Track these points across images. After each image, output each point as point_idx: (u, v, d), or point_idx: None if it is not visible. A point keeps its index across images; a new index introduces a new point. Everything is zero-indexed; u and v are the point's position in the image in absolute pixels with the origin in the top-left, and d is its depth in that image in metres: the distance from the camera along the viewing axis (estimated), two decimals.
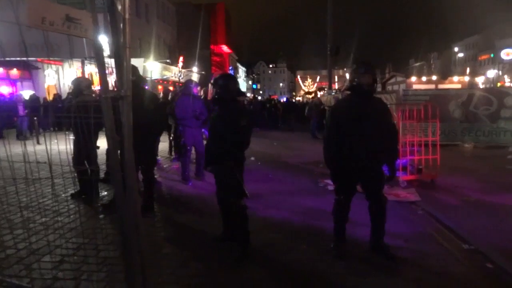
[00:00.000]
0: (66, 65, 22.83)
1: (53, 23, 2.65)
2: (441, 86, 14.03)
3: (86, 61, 19.47)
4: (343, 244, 3.83)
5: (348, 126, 3.54)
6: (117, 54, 1.69)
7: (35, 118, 12.33)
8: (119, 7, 1.60)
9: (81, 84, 5.70)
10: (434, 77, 13.66)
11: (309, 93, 58.20)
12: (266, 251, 3.91)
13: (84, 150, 5.08)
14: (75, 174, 5.46)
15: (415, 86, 13.75)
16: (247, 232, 3.68)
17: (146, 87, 6.73)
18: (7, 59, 16.63)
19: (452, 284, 3.32)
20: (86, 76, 18.58)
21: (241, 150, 3.69)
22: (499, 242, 4.13)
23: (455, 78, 16.52)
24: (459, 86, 15.26)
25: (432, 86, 13.77)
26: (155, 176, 6.82)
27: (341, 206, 3.77)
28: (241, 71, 71.45)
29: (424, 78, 13.60)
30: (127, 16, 1.66)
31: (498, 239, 4.25)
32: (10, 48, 12.32)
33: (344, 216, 3.80)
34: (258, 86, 78.96)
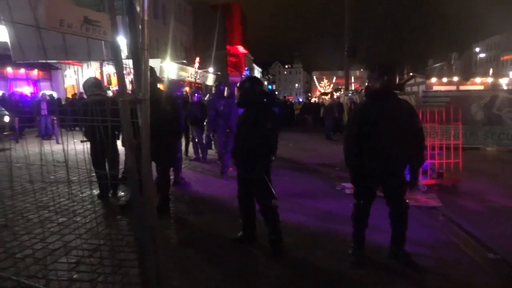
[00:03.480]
0: (85, 66, 23.22)
1: (71, 25, 2.66)
2: (462, 88, 13.66)
3: (104, 62, 19.80)
4: (362, 250, 3.73)
5: (368, 128, 3.43)
6: (135, 56, 1.66)
7: (54, 118, 12.58)
8: (138, 9, 1.57)
9: (88, 84, 5.63)
10: (455, 78, 13.27)
11: (325, 94, 57.71)
12: (284, 254, 3.84)
13: (101, 153, 5.06)
14: (93, 175, 5.50)
15: (435, 88, 13.42)
16: (279, 231, 3.82)
17: (179, 93, 6.72)
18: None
19: None
20: (105, 77, 18.85)
21: (267, 153, 3.79)
22: None
23: (478, 80, 16.06)
24: (481, 87, 14.84)
25: (453, 88, 13.41)
26: (184, 178, 6.90)
27: (361, 211, 3.67)
28: (257, 71, 71.45)
29: (445, 79, 13.24)
30: (145, 17, 1.62)
31: None
32: (30, 50, 12.61)
33: (363, 222, 3.70)
34: (274, 87, 78.84)
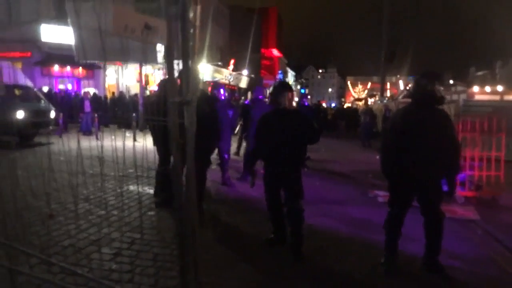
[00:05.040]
0: (124, 66, 24.08)
1: (134, 31, 2.81)
2: (507, 97, 13.04)
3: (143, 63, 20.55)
4: (394, 259, 3.67)
5: (406, 136, 3.40)
6: (185, 60, 1.76)
7: (96, 115, 13.16)
8: (191, 15, 1.67)
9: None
10: (499, 87, 12.70)
11: (359, 99, 56.77)
12: (315, 258, 3.86)
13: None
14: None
15: (477, 97, 12.89)
16: (302, 235, 3.82)
17: (222, 93, 6.91)
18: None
19: None
20: (143, 77, 19.50)
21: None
22: None
23: None
24: None
25: (497, 97, 12.83)
26: (231, 179, 7.01)
27: (395, 220, 3.63)
28: (290, 75, 71.33)
29: (488, 88, 12.67)
30: (197, 23, 1.72)
31: None
32: (92, 51, 13.69)
33: (397, 230, 3.65)
34: (307, 91, 78.35)
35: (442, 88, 3.57)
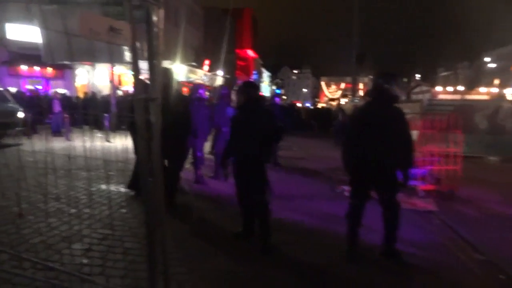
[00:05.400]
0: (96, 65, 23.66)
1: (99, 33, 2.93)
2: (467, 97, 13.79)
3: (115, 63, 20.28)
4: (356, 248, 3.92)
5: (363, 132, 3.66)
6: (150, 60, 1.89)
7: (66, 115, 12.93)
8: (155, 19, 1.81)
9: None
10: (460, 88, 13.41)
11: (333, 99, 57.86)
12: (283, 250, 4.05)
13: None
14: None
15: (440, 96, 13.57)
16: (269, 227, 3.98)
17: (202, 92, 7.14)
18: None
19: None
20: (116, 77, 19.26)
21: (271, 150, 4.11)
22: None
23: (483, 89, 16.14)
24: (486, 97, 14.95)
25: (458, 97, 13.55)
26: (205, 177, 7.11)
27: (355, 211, 3.88)
28: (266, 75, 71.72)
29: (450, 88, 13.37)
30: (161, 26, 1.86)
31: None
32: (59, 52, 13.64)
33: (357, 221, 3.90)
34: (282, 91, 78.98)
35: (397, 87, 3.84)
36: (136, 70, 1.88)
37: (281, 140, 4.22)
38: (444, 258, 4.04)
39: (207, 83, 32.18)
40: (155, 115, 1.97)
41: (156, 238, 2.31)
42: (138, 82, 1.94)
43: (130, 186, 5.84)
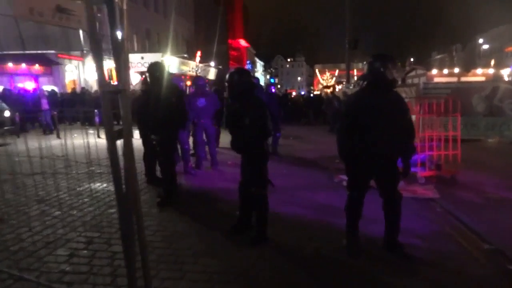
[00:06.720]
0: (86, 60, 23.17)
1: (43, 14, 2.64)
2: (463, 79, 13.56)
3: (105, 57, 19.77)
4: (356, 241, 3.72)
5: (360, 119, 3.41)
6: (115, 47, 1.64)
7: (55, 113, 12.60)
8: None
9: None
10: (456, 70, 13.16)
11: (327, 87, 57.47)
12: (279, 244, 3.86)
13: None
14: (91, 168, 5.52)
15: (436, 79, 13.34)
16: (264, 218, 3.90)
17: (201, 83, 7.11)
18: (24, 52, 16.77)
19: (471, 285, 3.18)
20: (106, 71, 18.90)
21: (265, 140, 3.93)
22: None
23: (479, 71, 15.89)
24: (483, 79, 14.73)
25: (454, 79, 13.32)
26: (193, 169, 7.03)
27: (354, 202, 3.67)
28: (259, 65, 71.18)
29: (445, 71, 13.13)
30: (124, 7, 1.60)
31: None
32: (7, 41, 12.55)
33: (357, 213, 3.69)
34: (276, 80, 78.51)
35: (394, 71, 3.58)
36: (99, 60, 1.63)
37: (272, 134, 4.04)
38: (449, 248, 3.84)
39: (200, 75, 31.74)
40: (125, 108, 1.73)
41: (131, 245, 2.07)
42: (101, 74, 1.68)
43: (148, 181, 5.99)
